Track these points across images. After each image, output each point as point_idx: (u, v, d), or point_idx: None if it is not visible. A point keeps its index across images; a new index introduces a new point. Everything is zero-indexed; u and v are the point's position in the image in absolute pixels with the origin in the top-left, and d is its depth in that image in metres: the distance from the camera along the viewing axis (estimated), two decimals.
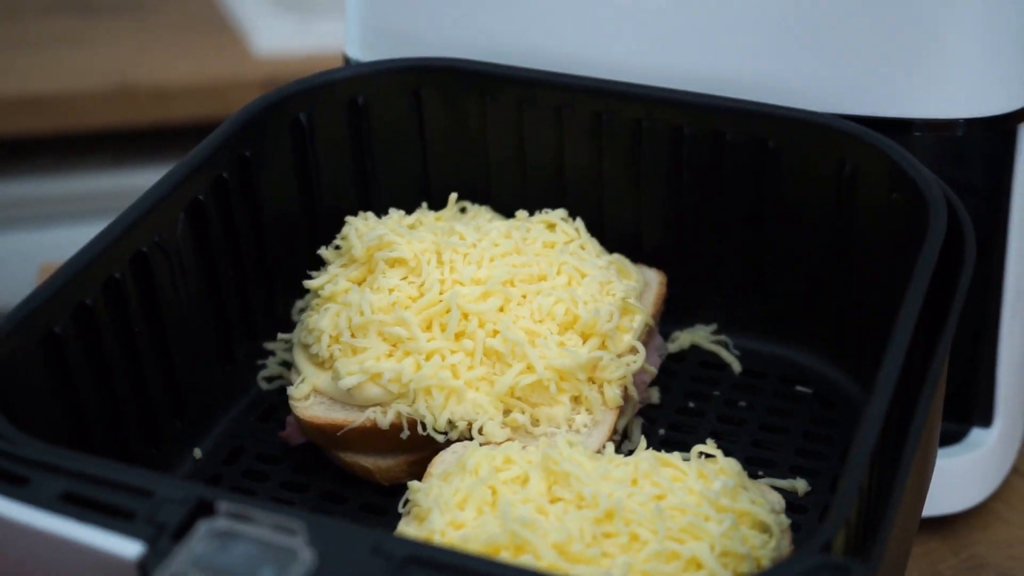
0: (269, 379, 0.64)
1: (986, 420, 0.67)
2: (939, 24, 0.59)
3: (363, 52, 0.68)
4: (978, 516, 0.68)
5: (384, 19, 0.67)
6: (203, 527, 0.40)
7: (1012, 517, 0.68)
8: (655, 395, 0.62)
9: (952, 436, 0.67)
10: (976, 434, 0.67)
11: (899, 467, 0.42)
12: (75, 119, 1.42)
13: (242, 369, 0.64)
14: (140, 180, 1.47)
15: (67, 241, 1.43)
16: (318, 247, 0.63)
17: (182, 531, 0.40)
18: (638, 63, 0.63)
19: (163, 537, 0.40)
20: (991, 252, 0.64)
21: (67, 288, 0.51)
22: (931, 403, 0.45)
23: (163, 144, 1.52)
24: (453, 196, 0.64)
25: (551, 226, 0.62)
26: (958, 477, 0.67)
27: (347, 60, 0.69)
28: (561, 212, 0.63)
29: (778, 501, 0.52)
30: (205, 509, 0.40)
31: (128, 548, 0.40)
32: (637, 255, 0.64)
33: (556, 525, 0.45)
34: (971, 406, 0.67)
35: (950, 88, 0.61)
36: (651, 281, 0.63)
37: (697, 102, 0.61)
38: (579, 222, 0.63)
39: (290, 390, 0.58)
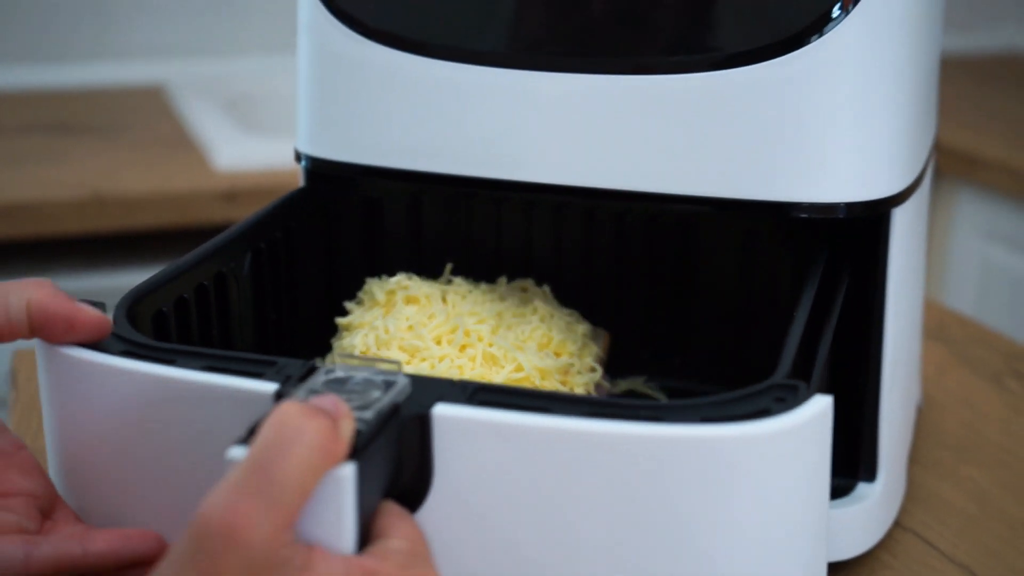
0: None
1: (871, 475, 0.69)
2: (821, 120, 0.62)
3: (310, 147, 0.72)
4: (865, 564, 0.69)
5: (328, 120, 0.71)
6: (323, 369, 0.50)
7: (896, 565, 0.70)
8: None
9: (841, 490, 0.69)
10: (862, 488, 0.69)
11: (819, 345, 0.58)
12: (50, 226, 1.45)
13: None
14: (109, 282, 1.49)
15: None
16: (334, 312, 0.73)
17: (305, 377, 0.51)
18: (549, 160, 0.67)
19: (291, 380, 0.51)
20: (871, 323, 0.67)
21: (172, 282, 0.63)
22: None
23: (130, 249, 1.56)
24: (449, 265, 0.76)
25: (524, 289, 0.75)
26: (847, 527, 0.68)
27: (298, 154, 0.73)
28: (530, 280, 0.76)
29: None
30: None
31: (265, 386, 0.51)
32: (588, 319, 0.76)
33: None
34: (857, 462, 0.70)
35: (831, 175, 0.63)
36: (600, 334, 0.76)
37: (636, 192, 0.68)
38: (546, 287, 0.75)
39: None
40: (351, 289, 0.74)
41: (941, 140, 1.71)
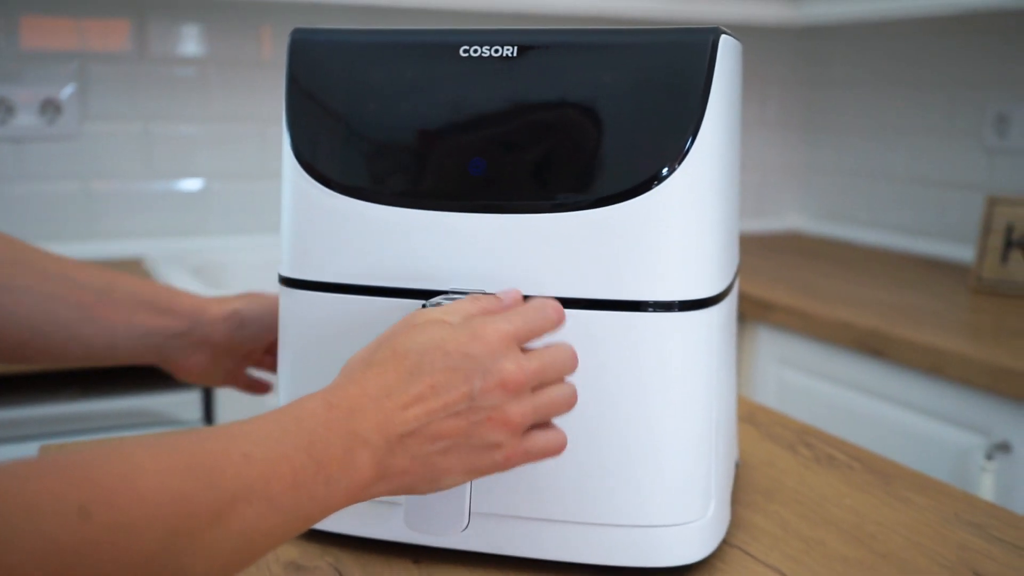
0: None
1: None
2: (659, 243, 0.67)
3: (291, 271, 0.74)
4: (702, 569, 0.73)
5: (304, 249, 0.73)
6: (440, 296, 0.69)
7: (726, 568, 0.74)
8: None
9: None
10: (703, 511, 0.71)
11: None
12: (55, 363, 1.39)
13: None
14: (103, 407, 1.47)
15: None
16: None
17: (432, 298, 0.69)
18: (463, 275, 0.70)
19: (426, 301, 0.69)
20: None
21: None
22: None
23: (114, 381, 1.53)
24: None
25: None
26: (690, 540, 0.72)
27: (280, 277, 0.74)
28: None
29: None
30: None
31: (415, 302, 0.69)
32: None
33: None
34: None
35: (669, 282, 0.68)
36: None
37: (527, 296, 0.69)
38: None
39: None
40: None
41: (745, 291, 1.81)
